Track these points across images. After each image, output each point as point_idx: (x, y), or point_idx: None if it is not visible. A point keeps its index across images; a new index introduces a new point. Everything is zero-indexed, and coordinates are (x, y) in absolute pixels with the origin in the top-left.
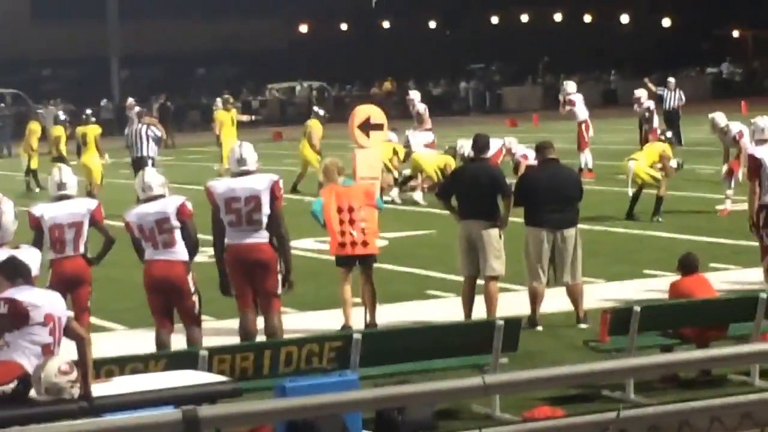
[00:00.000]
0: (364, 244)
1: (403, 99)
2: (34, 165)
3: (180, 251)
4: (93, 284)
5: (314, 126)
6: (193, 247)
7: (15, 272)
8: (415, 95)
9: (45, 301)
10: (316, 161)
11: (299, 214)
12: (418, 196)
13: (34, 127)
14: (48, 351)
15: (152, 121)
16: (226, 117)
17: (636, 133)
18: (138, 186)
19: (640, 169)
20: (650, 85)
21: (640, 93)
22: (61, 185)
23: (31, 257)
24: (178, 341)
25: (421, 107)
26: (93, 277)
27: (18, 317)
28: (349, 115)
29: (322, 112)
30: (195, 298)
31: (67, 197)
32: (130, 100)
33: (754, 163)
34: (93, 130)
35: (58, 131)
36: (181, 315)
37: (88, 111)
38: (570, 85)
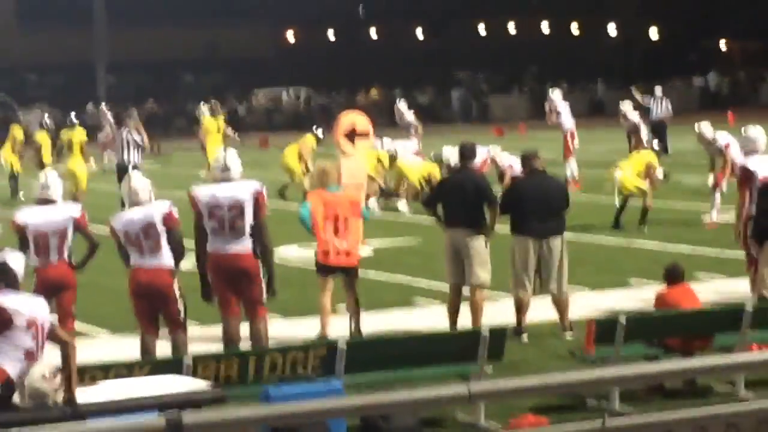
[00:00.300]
0: (348, 254)
1: (389, 107)
2: (17, 170)
3: (166, 257)
4: (78, 290)
5: (309, 141)
6: (179, 254)
7: (5, 277)
8: (403, 106)
9: (28, 306)
10: (299, 172)
11: (284, 221)
12: (402, 204)
13: (16, 132)
14: (30, 356)
15: (136, 125)
16: (212, 124)
17: (623, 143)
18: (124, 192)
19: (626, 180)
20: (636, 95)
21: (626, 108)
22: (44, 186)
23: (15, 261)
24: (162, 347)
25: (412, 118)
26: (78, 282)
27: (0, 322)
28: (334, 123)
29: (321, 134)
30: (180, 304)
31: (50, 201)
32: (103, 106)
33: (746, 174)
34: (78, 135)
35: (42, 138)
36: (167, 321)
37: (73, 115)
38: (556, 94)
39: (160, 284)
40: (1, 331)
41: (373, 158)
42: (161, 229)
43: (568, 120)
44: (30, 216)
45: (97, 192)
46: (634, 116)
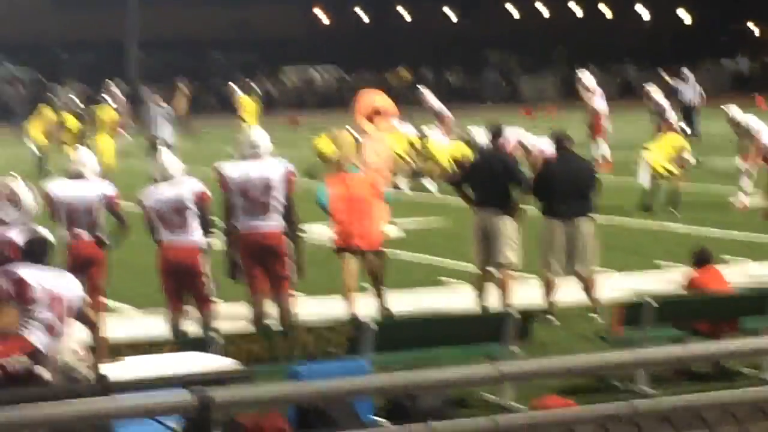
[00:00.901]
0: (367, 236)
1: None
2: (44, 148)
3: (195, 235)
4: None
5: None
6: (208, 232)
7: (33, 253)
8: (428, 94)
9: (52, 282)
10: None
11: (311, 200)
12: (429, 183)
13: (46, 112)
14: (52, 331)
15: (158, 100)
16: (249, 104)
17: (650, 125)
18: (155, 168)
19: (656, 162)
20: (665, 76)
21: (650, 88)
22: (77, 162)
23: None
24: (188, 325)
25: (436, 104)
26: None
27: (23, 296)
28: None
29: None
30: (209, 282)
31: (82, 177)
32: (110, 84)
33: None
34: (107, 113)
35: (67, 117)
36: (195, 298)
37: (105, 94)
38: (587, 75)
39: (189, 262)
40: (25, 304)
41: (405, 141)
42: (192, 207)
43: (601, 101)
44: (62, 189)
45: (127, 169)
46: (659, 97)
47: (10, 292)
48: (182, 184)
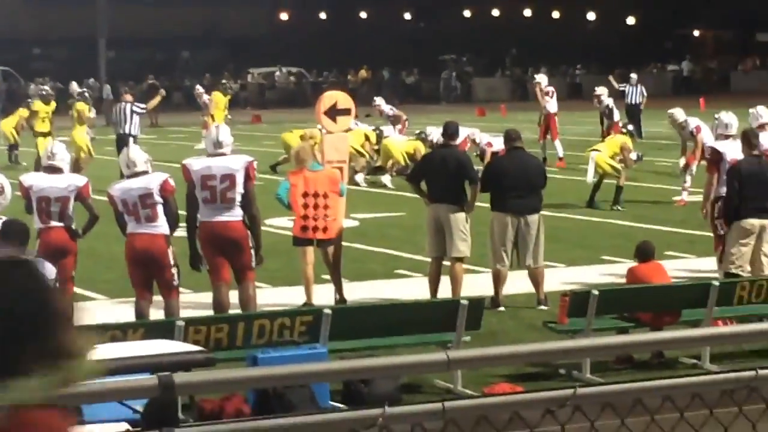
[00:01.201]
0: (324, 229)
1: (377, 85)
2: (16, 139)
3: (161, 225)
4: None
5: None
6: (174, 222)
7: (12, 237)
8: (380, 102)
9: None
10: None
11: (274, 194)
12: (386, 179)
13: (22, 112)
14: None
15: (126, 97)
16: (221, 100)
17: (599, 125)
18: (122, 162)
19: (601, 160)
20: (613, 81)
21: (601, 90)
22: (51, 156)
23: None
24: (155, 313)
25: (388, 110)
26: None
27: None
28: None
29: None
30: (174, 270)
31: (57, 170)
32: (73, 85)
33: (716, 157)
34: (79, 105)
35: (38, 106)
36: (160, 286)
37: (75, 85)
38: (542, 77)
39: (156, 250)
40: None
41: (361, 136)
42: (158, 198)
43: (554, 104)
44: (35, 180)
45: (96, 162)
46: (608, 100)
47: None
48: (148, 176)
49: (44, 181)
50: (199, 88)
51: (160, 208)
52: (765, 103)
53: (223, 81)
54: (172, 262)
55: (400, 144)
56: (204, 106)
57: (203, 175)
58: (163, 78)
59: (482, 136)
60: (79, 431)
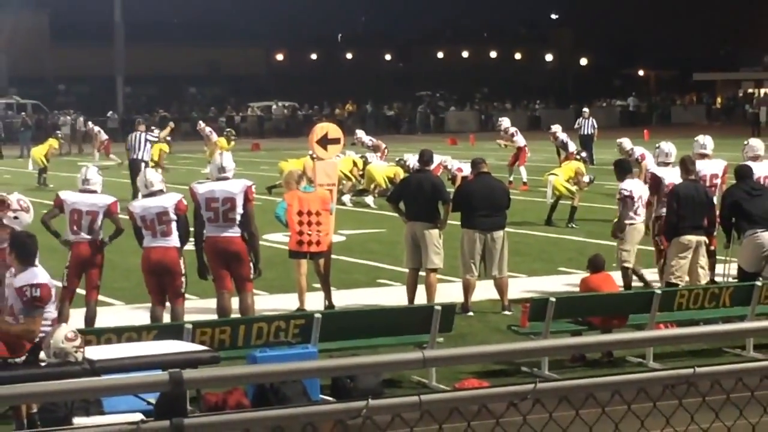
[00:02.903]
0: (318, 243)
1: (361, 118)
2: (45, 163)
3: (174, 239)
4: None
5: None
6: (185, 236)
7: (29, 254)
8: (361, 134)
9: (49, 279)
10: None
11: (272, 212)
12: (369, 200)
13: (53, 142)
14: (54, 322)
15: (141, 128)
16: (224, 146)
17: (555, 154)
18: (141, 183)
19: (558, 183)
20: (557, 134)
21: (555, 128)
22: (85, 180)
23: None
24: (167, 317)
25: (368, 140)
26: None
27: (47, 299)
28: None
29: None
30: (183, 279)
31: (91, 192)
32: (90, 124)
33: (655, 181)
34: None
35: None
36: (170, 293)
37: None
38: (506, 121)
39: (169, 261)
40: (45, 306)
41: (350, 162)
42: (173, 216)
43: (521, 138)
44: (71, 195)
45: (111, 184)
46: (562, 135)
47: (38, 297)
48: (164, 196)
49: (78, 196)
50: (201, 124)
51: (173, 224)
52: (700, 134)
53: (228, 129)
54: (182, 272)
55: (382, 169)
56: (206, 139)
57: (207, 198)
58: (173, 111)
59: (453, 162)
60: (100, 421)
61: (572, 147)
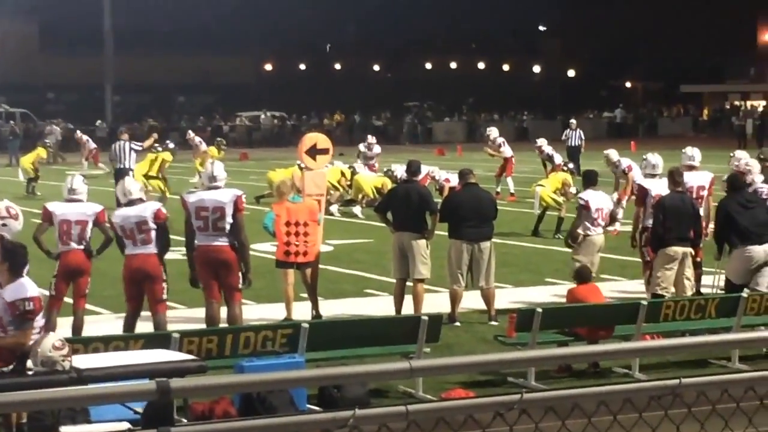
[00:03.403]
0: (305, 254)
1: (349, 128)
2: (34, 173)
3: (153, 246)
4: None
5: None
6: (166, 244)
7: (20, 265)
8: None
9: (38, 290)
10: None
11: (260, 222)
12: (357, 210)
13: (41, 152)
14: (42, 330)
15: (125, 137)
16: (215, 155)
17: (541, 164)
18: (120, 191)
19: (545, 194)
20: (543, 147)
21: (541, 142)
22: (71, 190)
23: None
24: (145, 325)
25: (363, 147)
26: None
27: (37, 312)
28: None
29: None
30: (164, 285)
31: (77, 201)
32: (78, 133)
33: (642, 193)
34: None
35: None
36: (150, 300)
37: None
38: (494, 131)
39: (149, 267)
40: (35, 318)
41: (338, 173)
42: (152, 225)
43: (508, 149)
44: (58, 207)
45: (95, 193)
46: (548, 149)
47: (32, 311)
48: (143, 205)
49: (66, 207)
50: (191, 133)
51: (153, 233)
52: (687, 146)
53: (218, 139)
54: (163, 278)
55: (370, 179)
56: (195, 149)
57: (197, 207)
58: (161, 120)
59: (441, 173)
60: (87, 430)
61: (558, 159)
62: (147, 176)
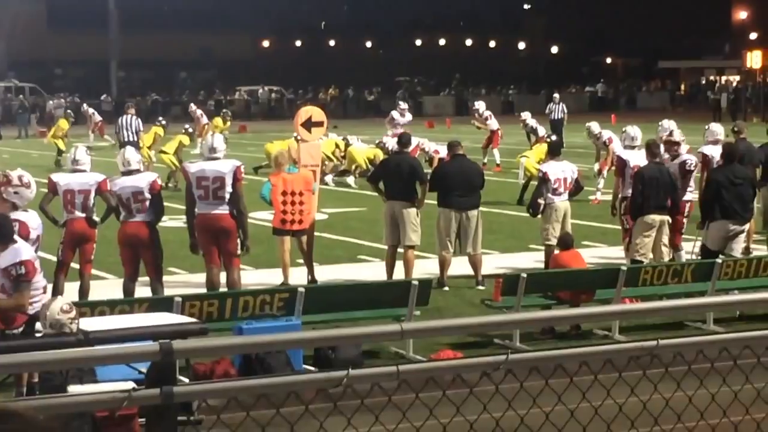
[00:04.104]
0: (300, 222)
1: (343, 102)
2: (62, 147)
3: (148, 215)
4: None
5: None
6: (159, 213)
7: (6, 234)
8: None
9: (32, 251)
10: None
11: (258, 192)
12: (350, 180)
13: (63, 124)
14: (45, 290)
15: (131, 111)
16: (220, 125)
17: (525, 137)
18: (119, 161)
19: (529, 164)
20: (527, 120)
21: (525, 115)
22: (74, 161)
23: (34, 219)
24: (143, 291)
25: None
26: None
27: (32, 273)
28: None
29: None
30: (158, 251)
31: (81, 171)
32: (85, 106)
33: (621, 164)
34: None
35: (62, 122)
36: (147, 265)
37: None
38: (481, 105)
39: (143, 234)
40: (32, 279)
41: (332, 144)
42: (147, 195)
43: (494, 122)
44: (62, 177)
45: (101, 164)
46: (531, 122)
47: (23, 274)
48: (140, 175)
49: (69, 177)
50: (192, 106)
51: (148, 202)
52: (665, 119)
53: (225, 110)
54: (156, 244)
55: (363, 151)
56: (197, 121)
57: (198, 177)
58: (165, 94)
59: (430, 144)
60: (94, 389)
61: (542, 131)
62: (162, 152)
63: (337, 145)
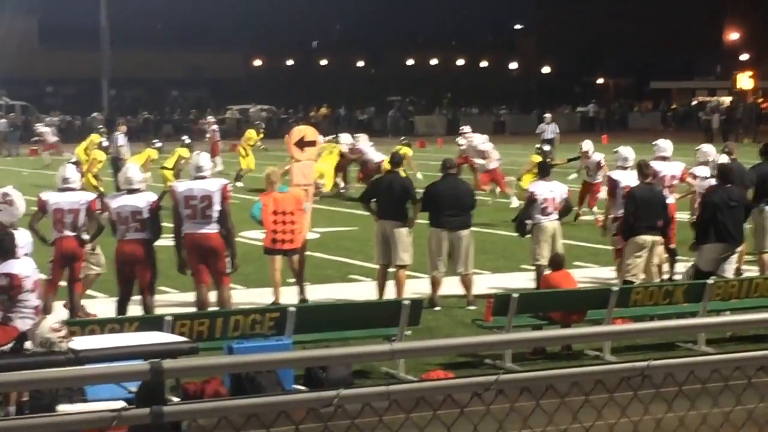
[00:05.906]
0: (291, 241)
1: (335, 121)
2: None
3: (145, 234)
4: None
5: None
6: (157, 232)
7: (5, 250)
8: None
9: (31, 270)
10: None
11: (248, 210)
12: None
13: (98, 156)
14: (38, 311)
15: (122, 129)
16: (253, 136)
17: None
18: (122, 178)
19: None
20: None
21: (587, 146)
22: (64, 180)
23: (23, 237)
24: (133, 310)
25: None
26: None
27: (16, 288)
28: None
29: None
30: (154, 270)
31: (71, 189)
32: (45, 122)
33: (612, 184)
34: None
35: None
36: (141, 284)
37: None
38: (478, 137)
39: (139, 253)
40: (16, 295)
41: (336, 156)
42: (146, 215)
43: (495, 157)
44: (52, 196)
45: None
46: (596, 156)
47: (4, 286)
48: (140, 195)
49: (59, 196)
50: (210, 118)
51: (146, 222)
52: (657, 139)
53: (257, 122)
54: (152, 263)
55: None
56: (212, 133)
57: (186, 196)
58: (156, 112)
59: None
60: (83, 408)
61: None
62: (164, 168)
63: (342, 154)
